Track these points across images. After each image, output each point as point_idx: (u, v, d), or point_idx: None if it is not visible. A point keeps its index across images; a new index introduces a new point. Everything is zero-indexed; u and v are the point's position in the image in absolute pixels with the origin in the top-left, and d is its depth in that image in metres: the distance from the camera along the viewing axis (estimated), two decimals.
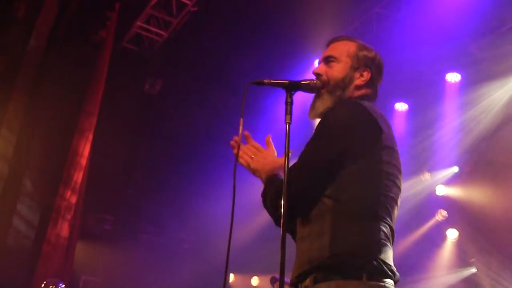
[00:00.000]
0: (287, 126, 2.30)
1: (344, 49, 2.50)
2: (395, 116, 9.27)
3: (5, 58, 8.33)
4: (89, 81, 8.92)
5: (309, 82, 2.44)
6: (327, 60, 2.50)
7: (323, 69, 2.49)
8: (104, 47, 8.92)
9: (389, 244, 2.20)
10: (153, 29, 9.37)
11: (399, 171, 2.33)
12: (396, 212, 2.31)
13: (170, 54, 9.69)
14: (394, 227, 2.28)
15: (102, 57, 8.89)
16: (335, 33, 8.83)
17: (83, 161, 8.43)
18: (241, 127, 2.38)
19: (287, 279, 5.81)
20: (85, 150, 8.47)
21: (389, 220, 2.23)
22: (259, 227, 10.01)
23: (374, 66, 2.51)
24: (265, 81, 2.39)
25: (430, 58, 8.18)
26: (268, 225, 10.31)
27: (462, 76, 8.60)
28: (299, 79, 2.46)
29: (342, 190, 2.17)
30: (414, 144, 9.07)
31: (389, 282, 2.12)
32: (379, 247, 2.14)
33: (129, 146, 10.17)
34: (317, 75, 2.48)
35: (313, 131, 2.33)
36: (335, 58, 2.48)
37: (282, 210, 2.16)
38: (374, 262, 2.09)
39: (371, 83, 2.50)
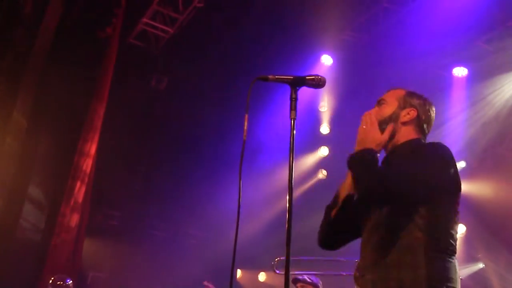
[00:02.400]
0: (292, 121, 2.31)
1: (394, 94, 2.78)
2: None
3: (12, 54, 8.35)
4: (95, 77, 8.93)
5: (313, 77, 2.45)
6: (379, 103, 2.75)
7: (374, 110, 2.71)
8: (111, 43, 8.93)
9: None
10: (159, 25, 9.38)
11: None
12: None
13: (176, 50, 9.69)
14: None
15: (108, 54, 8.90)
16: (342, 28, 8.83)
17: (90, 157, 8.45)
18: (246, 123, 2.38)
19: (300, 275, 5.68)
20: (92, 146, 8.50)
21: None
22: (266, 223, 10.03)
23: (421, 108, 2.74)
24: (270, 77, 2.40)
25: (437, 52, 8.15)
26: (275, 220, 10.34)
27: (469, 70, 8.57)
28: (305, 74, 2.47)
29: (433, 225, 2.39)
30: None
31: None
32: (458, 283, 2.39)
33: (135, 142, 10.19)
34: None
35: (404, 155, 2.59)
36: (385, 100, 2.73)
37: (288, 205, 2.18)
38: None
39: (418, 123, 2.72)
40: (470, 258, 9.31)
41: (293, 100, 2.36)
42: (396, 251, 2.35)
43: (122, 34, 9.09)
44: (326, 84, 2.52)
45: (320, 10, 8.22)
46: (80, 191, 8.30)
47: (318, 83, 2.45)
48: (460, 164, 9.19)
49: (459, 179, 2.52)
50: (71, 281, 6.28)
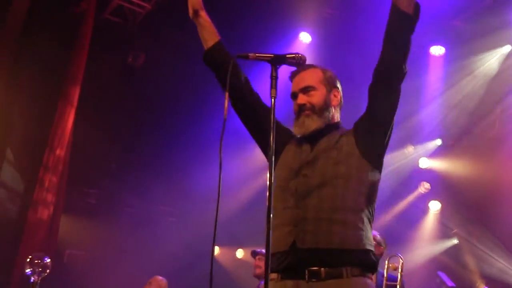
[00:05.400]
0: (272, 100, 2.31)
1: (316, 77, 2.76)
2: None
3: None
4: (71, 53, 8.78)
5: (294, 55, 2.44)
6: (305, 90, 2.72)
7: (304, 98, 2.71)
8: (86, 19, 8.77)
9: None
10: (135, 0, 9.23)
11: None
12: None
13: (154, 26, 9.56)
14: None
15: (83, 29, 8.74)
16: (321, 4, 8.79)
17: (66, 134, 8.36)
18: (226, 101, 2.38)
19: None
20: (68, 122, 8.40)
21: None
22: (244, 200, 10.07)
23: (340, 86, 2.83)
24: (250, 55, 2.39)
25: (415, 31, 8.17)
26: (254, 198, 10.37)
27: (446, 49, 8.62)
28: (285, 52, 2.46)
29: (371, 200, 2.61)
30: (397, 117, 9.09)
31: None
32: None
33: (112, 119, 10.09)
34: (302, 105, 2.69)
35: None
36: (312, 87, 2.71)
37: (268, 183, 2.19)
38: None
39: (340, 103, 2.83)
40: (445, 234, 9.48)
41: (274, 78, 2.36)
42: (344, 211, 2.51)
43: (97, 10, 8.93)
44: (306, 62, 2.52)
45: None
46: (56, 168, 8.22)
47: (298, 61, 2.45)
48: (436, 142, 9.31)
49: None
50: (49, 259, 6.23)
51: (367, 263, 2.49)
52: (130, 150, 10.41)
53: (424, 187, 9.44)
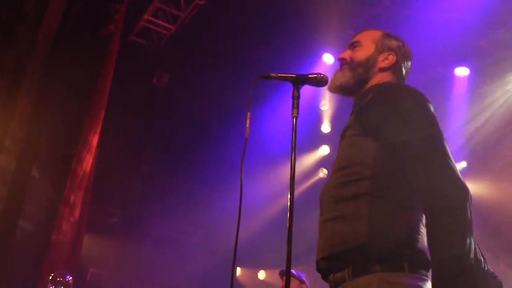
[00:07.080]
0: (294, 120, 2.31)
1: (369, 35, 2.53)
2: None
3: (14, 52, 8.33)
4: (97, 74, 8.92)
5: (316, 76, 2.44)
6: (352, 46, 2.52)
7: (347, 53, 2.50)
8: (112, 40, 8.92)
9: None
10: (160, 22, 9.37)
11: None
12: None
13: (178, 47, 9.69)
14: None
15: (110, 51, 8.89)
16: (344, 26, 8.82)
17: (91, 155, 8.45)
18: (248, 121, 2.38)
19: (296, 271, 5.85)
20: (93, 143, 8.50)
21: None
22: (266, 221, 10.03)
23: (401, 53, 2.50)
24: (272, 75, 2.40)
25: (439, 52, 8.13)
26: (275, 219, 10.35)
27: (471, 70, 8.55)
28: (308, 72, 2.46)
29: (381, 179, 2.14)
30: None
31: (428, 274, 2.10)
32: (418, 237, 2.11)
33: (136, 139, 10.20)
34: (342, 59, 2.48)
35: (377, 118, 2.22)
36: (359, 42, 2.49)
37: (289, 204, 2.18)
38: (415, 252, 2.08)
39: (397, 68, 2.48)
40: None
41: (296, 98, 2.35)
42: (343, 203, 2.16)
43: (123, 31, 9.08)
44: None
45: (321, 9, 8.21)
46: (80, 187, 8.30)
47: (320, 81, 2.44)
48: (462, 164, 9.19)
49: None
50: (71, 278, 6.27)
51: (378, 257, 2.02)
52: (154, 170, 10.48)
53: None
